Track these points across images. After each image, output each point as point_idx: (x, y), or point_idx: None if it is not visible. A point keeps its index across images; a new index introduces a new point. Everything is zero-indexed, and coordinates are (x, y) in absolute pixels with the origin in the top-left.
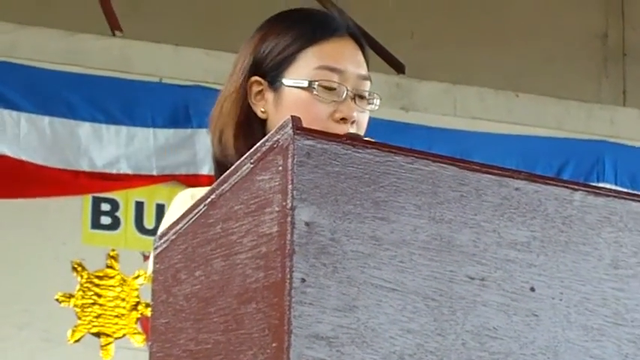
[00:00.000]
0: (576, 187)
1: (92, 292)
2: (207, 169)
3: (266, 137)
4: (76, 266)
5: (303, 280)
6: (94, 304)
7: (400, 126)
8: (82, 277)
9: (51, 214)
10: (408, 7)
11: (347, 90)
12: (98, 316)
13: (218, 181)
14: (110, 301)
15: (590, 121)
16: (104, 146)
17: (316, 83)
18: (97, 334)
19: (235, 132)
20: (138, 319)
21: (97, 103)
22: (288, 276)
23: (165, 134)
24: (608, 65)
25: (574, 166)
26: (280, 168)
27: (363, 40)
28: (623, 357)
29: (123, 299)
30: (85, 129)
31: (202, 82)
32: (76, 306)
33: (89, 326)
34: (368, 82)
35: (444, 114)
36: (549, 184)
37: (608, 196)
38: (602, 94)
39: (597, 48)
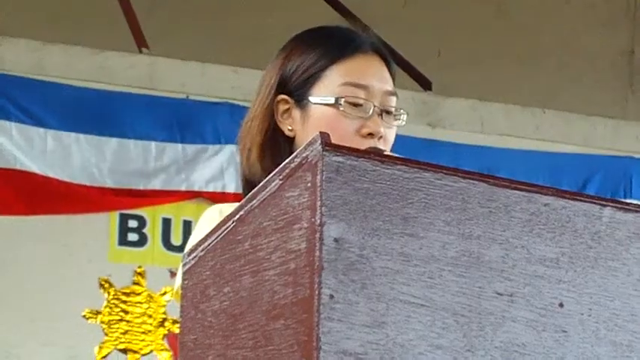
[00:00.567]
0: (605, 202)
1: (119, 309)
2: (233, 186)
3: (295, 154)
4: (103, 283)
5: (332, 297)
6: (120, 320)
7: (427, 143)
8: (109, 293)
9: (78, 230)
10: (435, 25)
11: (373, 106)
12: (125, 333)
13: (247, 197)
14: (137, 317)
15: (617, 137)
16: (131, 162)
17: (342, 100)
18: (124, 351)
19: (263, 151)
20: (165, 335)
21: (124, 120)
22: (317, 292)
23: (194, 150)
24: (634, 82)
25: (601, 182)
26: (309, 184)
27: (389, 56)
28: None
29: (150, 316)
30: (111, 145)
31: (230, 98)
32: (102, 322)
33: (116, 343)
34: (394, 98)
35: (471, 131)
36: (578, 199)
37: (637, 211)
38: (628, 110)
39: (623, 65)
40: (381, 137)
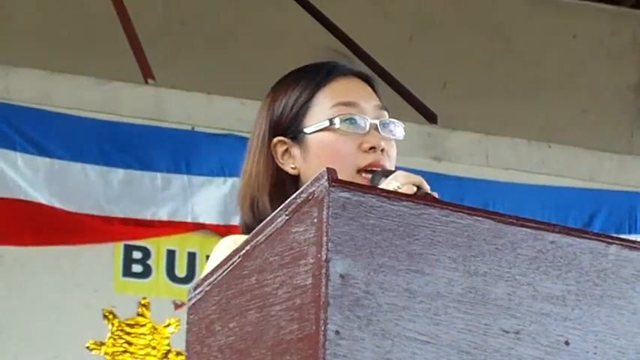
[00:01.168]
0: (611, 240)
1: (123, 340)
2: (238, 219)
3: (301, 189)
4: (107, 314)
5: (338, 333)
6: (124, 352)
7: (432, 176)
8: (113, 324)
9: (83, 261)
10: (441, 58)
11: (368, 120)
12: None
13: (253, 232)
14: (141, 349)
15: (622, 172)
16: (137, 193)
17: (337, 118)
18: None
19: (271, 196)
20: None
21: (130, 151)
22: (323, 328)
23: (199, 181)
24: None
25: (606, 217)
26: (315, 220)
27: (370, 77)
28: None
29: (154, 347)
30: (118, 175)
31: (236, 130)
32: (106, 354)
33: None
34: (386, 112)
35: (476, 164)
36: (584, 237)
37: None
38: (634, 145)
39: (630, 99)
40: (383, 150)
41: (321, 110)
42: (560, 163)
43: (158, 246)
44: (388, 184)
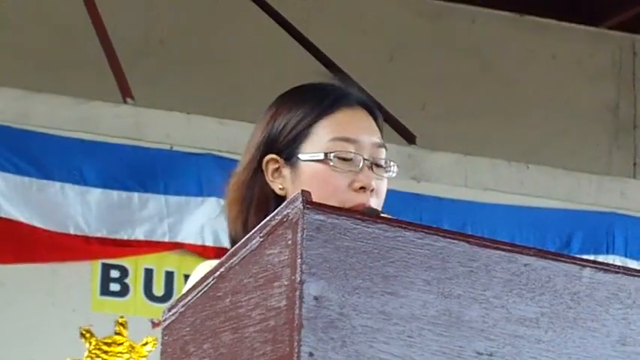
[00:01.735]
0: (585, 263)
1: (100, 359)
2: (211, 239)
3: (276, 211)
4: (84, 332)
5: (311, 355)
6: None
7: (411, 196)
8: (90, 343)
9: (61, 280)
10: (420, 79)
11: (363, 159)
12: None
13: (227, 254)
14: None
15: (601, 193)
16: (115, 212)
17: (332, 155)
18: None
19: (255, 212)
20: None
21: (108, 170)
22: (296, 350)
23: (176, 201)
24: (619, 137)
25: (584, 238)
26: (290, 242)
27: (375, 108)
28: None
29: None
30: (95, 195)
31: (215, 150)
32: None
33: None
34: (383, 150)
35: (455, 185)
36: (558, 260)
37: (617, 272)
38: (612, 165)
39: (608, 120)
40: (372, 190)
41: (319, 141)
42: (539, 183)
43: (136, 265)
44: None
